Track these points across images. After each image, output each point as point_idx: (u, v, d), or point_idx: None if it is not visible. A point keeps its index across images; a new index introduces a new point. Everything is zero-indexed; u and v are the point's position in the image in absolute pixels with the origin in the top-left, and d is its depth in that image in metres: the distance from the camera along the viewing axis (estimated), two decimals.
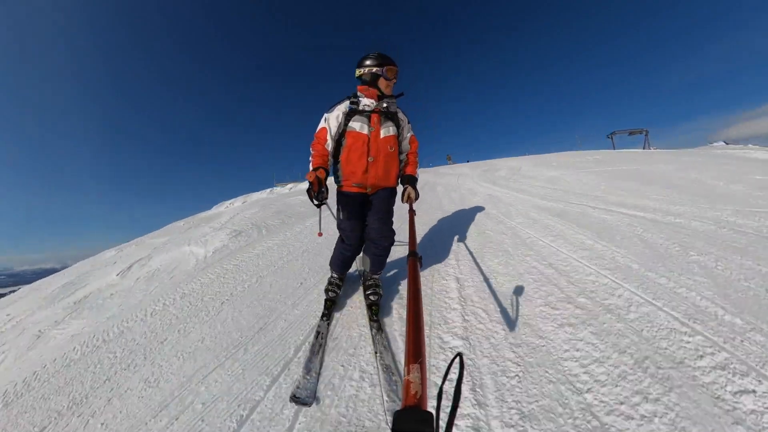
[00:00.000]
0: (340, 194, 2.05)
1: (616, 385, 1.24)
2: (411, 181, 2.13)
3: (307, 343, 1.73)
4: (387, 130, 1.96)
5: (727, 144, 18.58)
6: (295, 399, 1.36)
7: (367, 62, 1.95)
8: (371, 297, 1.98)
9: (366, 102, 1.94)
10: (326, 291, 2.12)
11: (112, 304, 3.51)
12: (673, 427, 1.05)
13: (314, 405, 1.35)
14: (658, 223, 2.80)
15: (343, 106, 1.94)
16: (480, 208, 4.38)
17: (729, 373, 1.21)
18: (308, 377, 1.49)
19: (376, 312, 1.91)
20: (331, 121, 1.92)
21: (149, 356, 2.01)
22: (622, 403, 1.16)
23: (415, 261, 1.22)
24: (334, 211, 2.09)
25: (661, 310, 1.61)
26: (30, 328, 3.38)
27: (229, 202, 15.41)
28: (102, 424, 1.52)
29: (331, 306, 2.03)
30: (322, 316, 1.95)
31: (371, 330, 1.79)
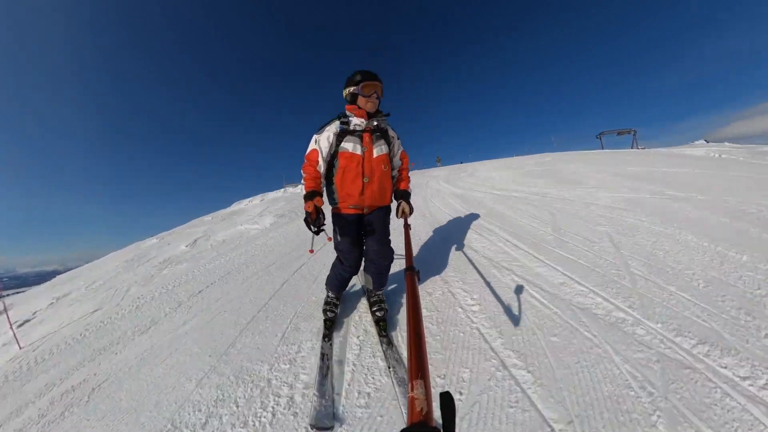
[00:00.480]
0: (337, 216, 2.04)
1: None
2: (405, 196, 2.14)
3: (314, 367, 1.74)
4: (380, 149, 1.95)
5: (707, 142, 19.25)
6: (315, 427, 1.34)
7: (349, 81, 1.95)
8: (377, 313, 2.05)
9: (356, 121, 1.92)
10: (324, 312, 2.12)
11: (206, 254, 5.96)
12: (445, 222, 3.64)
13: (336, 428, 1.36)
14: (501, 196, 5.43)
15: (334, 127, 1.92)
16: (423, 196, 7.10)
17: (471, 231, 3.73)
18: (323, 401, 1.47)
19: (384, 327, 1.97)
20: (322, 142, 1.91)
21: (266, 257, 4.52)
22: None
23: (413, 275, 1.24)
24: (329, 231, 2.07)
25: (452, 215, 4.37)
26: (132, 278, 5.18)
27: (248, 200, 17.96)
28: (242, 281, 3.74)
29: (331, 326, 2.04)
30: (324, 337, 1.95)
31: (381, 345, 1.84)
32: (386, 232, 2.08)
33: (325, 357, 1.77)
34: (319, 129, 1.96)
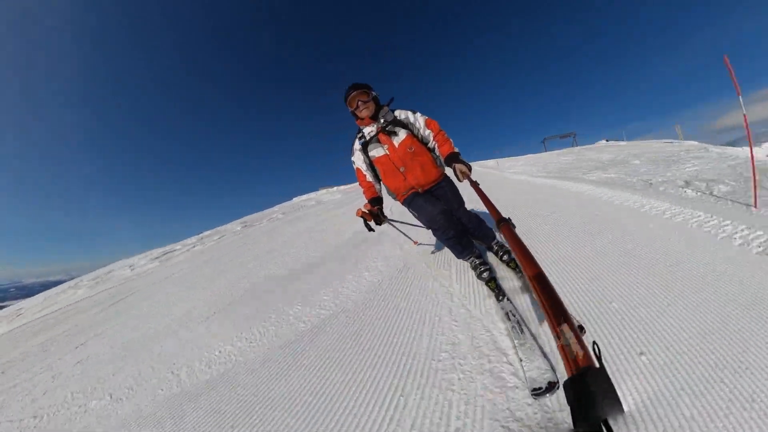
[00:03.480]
0: (403, 204, 2.20)
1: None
2: (454, 158, 2.01)
3: (504, 329, 1.50)
4: (398, 138, 2.01)
5: (607, 141, 19.77)
6: (537, 393, 1.10)
7: None
8: (504, 257, 2.10)
9: (368, 130, 2.08)
10: (480, 276, 1.98)
11: (332, 201, 15.66)
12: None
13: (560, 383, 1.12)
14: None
15: (357, 145, 2.15)
16: None
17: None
18: (535, 361, 1.23)
19: (516, 264, 2.02)
20: (357, 161, 2.17)
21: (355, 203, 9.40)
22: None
23: (507, 225, 1.18)
24: (400, 227, 2.32)
25: None
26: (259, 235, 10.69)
27: (306, 195, 25.96)
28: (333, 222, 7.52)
29: (495, 285, 1.88)
30: (498, 297, 1.77)
31: (522, 281, 1.88)
32: (459, 200, 2.15)
33: (509, 314, 1.57)
34: (350, 152, 2.23)
